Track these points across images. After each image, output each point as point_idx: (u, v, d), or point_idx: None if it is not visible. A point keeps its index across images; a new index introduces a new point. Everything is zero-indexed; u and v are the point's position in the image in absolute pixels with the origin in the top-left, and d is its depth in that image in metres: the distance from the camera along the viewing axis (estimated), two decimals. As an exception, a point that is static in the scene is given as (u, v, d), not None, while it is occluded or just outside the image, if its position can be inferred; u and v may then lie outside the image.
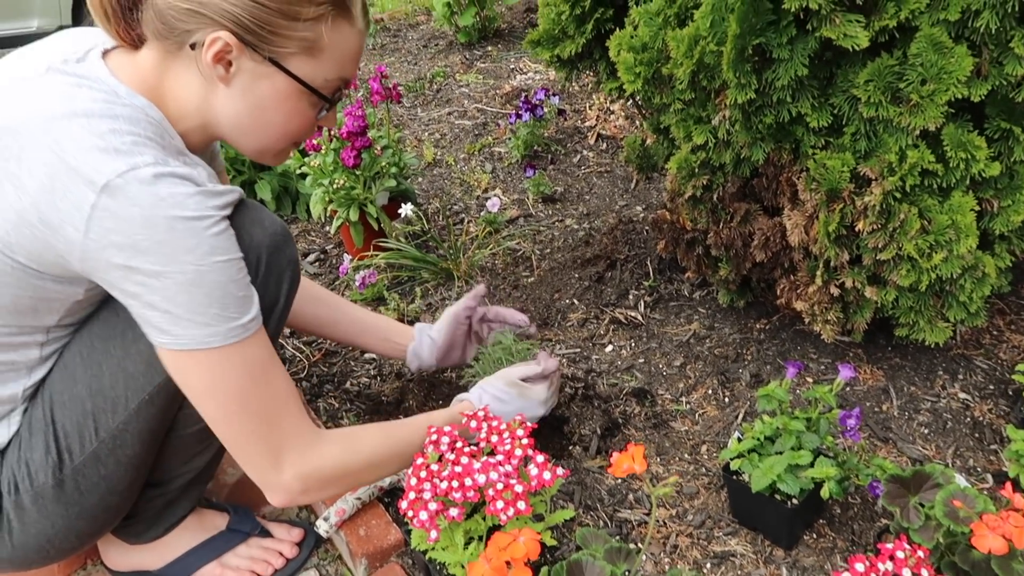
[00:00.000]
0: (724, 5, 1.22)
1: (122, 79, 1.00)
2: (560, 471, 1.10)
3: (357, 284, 1.93)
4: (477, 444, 1.19)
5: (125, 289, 0.94)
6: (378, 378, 1.71)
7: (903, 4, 1.15)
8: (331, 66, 1.06)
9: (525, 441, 1.15)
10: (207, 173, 1.01)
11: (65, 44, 1.05)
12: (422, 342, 1.53)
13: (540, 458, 1.11)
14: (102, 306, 1.08)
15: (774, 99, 1.28)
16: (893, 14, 1.15)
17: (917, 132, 1.22)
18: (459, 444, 1.17)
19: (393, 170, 2.07)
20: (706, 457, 1.42)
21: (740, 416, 1.49)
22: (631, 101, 1.68)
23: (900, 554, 0.91)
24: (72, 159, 0.90)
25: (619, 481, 1.37)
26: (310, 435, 1.10)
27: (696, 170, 1.48)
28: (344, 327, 1.53)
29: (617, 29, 1.49)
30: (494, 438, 1.18)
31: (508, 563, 0.90)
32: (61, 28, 6.03)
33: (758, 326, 1.72)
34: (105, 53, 1.04)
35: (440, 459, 1.16)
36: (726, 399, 1.55)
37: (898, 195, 1.26)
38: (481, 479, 1.09)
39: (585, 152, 2.68)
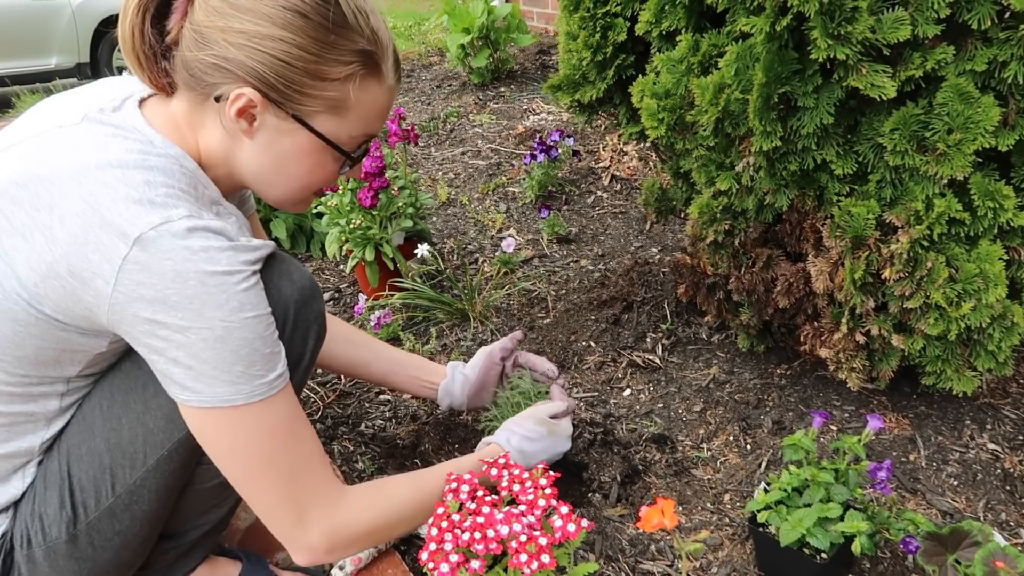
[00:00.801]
0: (749, 54, 1.23)
1: (157, 128, 0.99)
2: (584, 522, 1.07)
3: (372, 324, 1.92)
4: (498, 492, 1.17)
5: (150, 344, 0.93)
6: (393, 420, 1.69)
7: (929, 55, 1.15)
8: (357, 124, 1.04)
9: (548, 491, 1.13)
10: (239, 224, 1.01)
11: (103, 92, 1.04)
12: (455, 379, 1.51)
13: (564, 509, 1.08)
14: (124, 358, 1.06)
15: (799, 146, 1.28)
16: (919, 64, 1.15)
17: (944, 181, 1.21)
18: (480, 493, 1.14)
19: (410, 210, 2.07)
20: (729, 507, 1.39)
21: (763, 465, 1.46)
22: (648, 144, 1.68)
23: (941, 617, 0.88)
24: (106, 211, 0.89)
25: (641, 530, 1.34)
26: (336, 492, 1.08)
27: (718, 215, 1.47)
28: (376, 367, 1.51)
29: (639, 75, 1.49)
30: (516, 487, 1.15)
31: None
32: (79, 66, 6.11)
33: (779, 371, 1.70)
34: (142, 101, 1.03)
35: (460, 508, 1.14)
36: (748, 446, 1.52)
37: (925, 243, 1.25)
38: (504, 530, 1.06)
39: (599, 193, 2.69)
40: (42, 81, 5.88)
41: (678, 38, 1.39)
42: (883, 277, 1.29)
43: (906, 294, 1.28)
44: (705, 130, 1.33)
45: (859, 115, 1.28)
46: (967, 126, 1.17)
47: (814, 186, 1.35)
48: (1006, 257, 1.25)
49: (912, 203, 1.25)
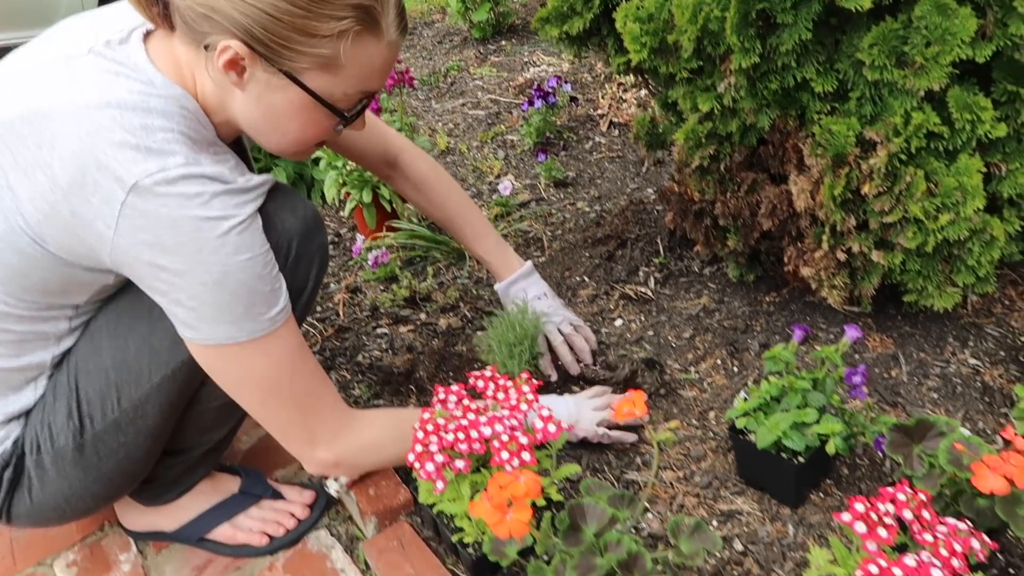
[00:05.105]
0: (727, -31, 1.24)
1: (160, 67, 0.98)
2: (565, 423, 1.11)
3: (370, 264, 1.96)
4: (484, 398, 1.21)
5: (153, 286, 0.97)
6: (389, 351, 1.74)
7: (906, -36, 1.16)
8: (352, 81, 1.00)
9: (530, 397, 1.17)
10: (234, 162, 1.01)
11: (113, 19, 1.04)
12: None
13: (545, 412, 1.13)
14: (131, 283, 1.07)
15: (779, 64, 1.29)
16: (896, -26, 1.16)
17: (922, 94, 1.23)
18: (466, 402, 1.18)
19: (406, 152, 2.10)
20: (714, 422, 1.43)
21: (748, 383, 1.50)
22: (640, 78, 1.69)
23: (901, 496, 0.91)
24: (102, 153, 0.90)
25: (626, 444, 1.38)
26: (342, 412, 1.15)
27: (703, 140, 1.49)
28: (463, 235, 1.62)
29: (624, 3, 1.50)
30: (500, 395, 1.20)
31: (509, 503, 0.91)
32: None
33: (767, 299, 1.72)
34: (147, 35, 1.02)
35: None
36: (735, 368, 1.55)
37: (903, 157, 1.26)
38: (487, 431, 1.10)
39: (597, 138, 2.70)
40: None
41: (661, -39, 1.40)
42: (863, 193, 1.31)
43: (885, 209, 1.30)
44: (686, 52, 1.34)
45: (839, 33, 1.29)
46: (944, 38, 1.18)
47: (796, 106, 1.36)
48: (985, 171, 1.26)
49: (891, 118, 1.26)
